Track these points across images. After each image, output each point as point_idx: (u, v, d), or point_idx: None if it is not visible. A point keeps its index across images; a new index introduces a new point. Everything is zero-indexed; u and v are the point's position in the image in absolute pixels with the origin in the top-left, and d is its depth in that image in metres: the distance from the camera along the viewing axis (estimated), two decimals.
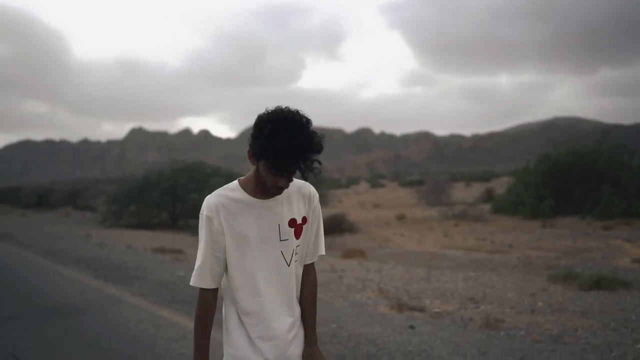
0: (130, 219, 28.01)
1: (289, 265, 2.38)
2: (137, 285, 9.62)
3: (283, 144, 2.05)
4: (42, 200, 47.25)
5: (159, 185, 29.05)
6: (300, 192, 2.43)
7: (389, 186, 69.84)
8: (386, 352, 5.53)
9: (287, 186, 2.25)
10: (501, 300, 7.85)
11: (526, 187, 25.49)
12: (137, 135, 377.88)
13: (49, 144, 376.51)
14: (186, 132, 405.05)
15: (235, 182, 2.38)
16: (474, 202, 31.46)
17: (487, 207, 27.81)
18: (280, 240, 2.35)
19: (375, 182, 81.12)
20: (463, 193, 38.76)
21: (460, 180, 62.53)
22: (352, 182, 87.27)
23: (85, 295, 8.99)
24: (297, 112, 2.13)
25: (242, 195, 2.33)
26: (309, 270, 2.53)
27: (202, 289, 2.33)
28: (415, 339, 5.93)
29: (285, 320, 2.40)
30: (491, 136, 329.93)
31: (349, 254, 14.52)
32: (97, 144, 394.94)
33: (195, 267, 2.32)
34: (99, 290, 9.37)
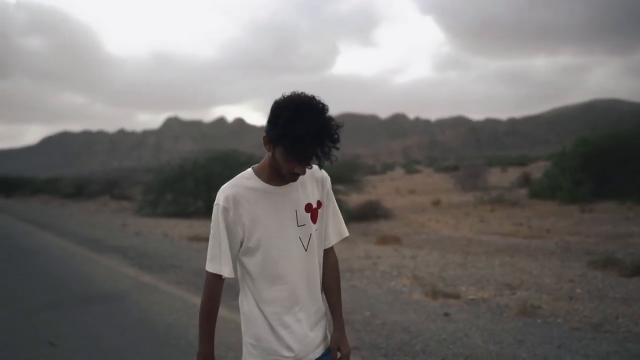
0: (166, 208, 28.22)
1: (306, 251, 2.37)
2: (172, 273, 9.70)
3: (301, 130, 2.04)
4: (80, 190, 47.94)
5: (194, 173, 29.26)
6: (314, 176, 2.43)
7: (424, 172, 69.38)
8: (420, 340, 5.46)
9: (304, 173, 2.24)
10: (538, 286, 7.68)
11: (564, 172, 24.93)
12: (173, 125, 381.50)
13: (86, 135, 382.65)
14: (221, 121, 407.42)
15: (250, 170, 2.36)
16: (511, 186, 30.98)
17: (523, 191, 27.32)
18: (298, 226, 2.35)
19: (410, 167, 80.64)
20: (499, 178, 38.19)
21: (496, 164, 61.62)
22: (387, 168, 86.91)
23: (121, 283, 9.10)
24: (314, 97, 2.12)
25: (257, 183, 2.31)
26: (329, 254, 2.53)
27: (212, 276, 2.30)
28: (450, 326, 5.85)
29: (307, 307, 2.39)
30: (527, 120, 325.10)
31: (384, 240, 14.41)
32: (133, 134, 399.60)
33: (211, 254, 2.29)
34: (134, 278, 9.48)
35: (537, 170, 36.63)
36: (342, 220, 2.58)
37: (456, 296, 7.17)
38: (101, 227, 19.54)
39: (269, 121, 2.15)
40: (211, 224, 2.31)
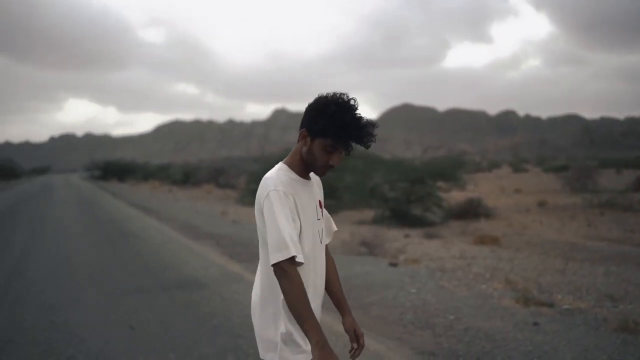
0: None
1: (321, 243, 2.55)
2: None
3: (348, 117, 2.32)
4: (187, 177, 49.55)
5: None
6: (314, 178, 2.61)
7: (532, 171, 66.92)
8: (503, 350, 5.08)
9: (339, 164, 2.40)
10: None
11: None
12: (280, 116, 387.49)
13: (197, 124, 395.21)
14: None
15: (282, 164, 2.47)
16: (625, 189, 29.23)
17: (639, 196, 25.74)
18: (317, 219, 2.53)
19: (517, 166, 77.99)
20: (613, 180, 36.15)
21: (610, 166, 58.47)
22: (494, 165, 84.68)
23: (208, 271, 9.17)
24: (351, 98, 2.37)
25: (295, 175, 2.45)
26: (327, 251, 2.70)
27: (291, 264, 2.25)
28: (537, 337, 5.41)
29: (320, 298, 2.56)
30: None
31: (481, 240, 13.92)
32: (242, 124, 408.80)
33: (285, 240, 2.25)
34: (222, 266, 9.54)
35: None
36: (332, 219, 2.77)
37: (550, 305, 6.68)
38: (202, 214, 20.01)
39: (313, 116, 2.37)
40: (272, 211, 2.30)
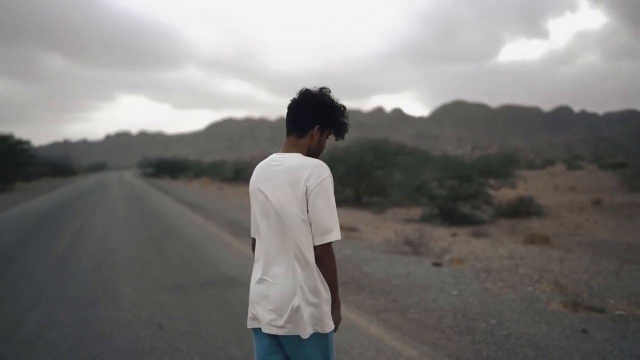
0: None
1: None
2: None
3: (340, 106, 2.73)
4: (238, 174, 49.84)
5: (345, 161, 29.22)
6: None
7: (588, 168, 65.15)
8: (547, 359, 4.74)
9: None
10: None
11: None
12: None
13: (249, 122, 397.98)
14: (379, 111, 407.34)
15: (302, 155, 2.63)
16: None
17: None
18: None
19: (572, 163, 76.10)
20: None
21: None
22: (548, 163, 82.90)
23: (247, 269, 8.97)
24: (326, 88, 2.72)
25: None
26: None
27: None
28: (586, 346, 5.02)
29: None
30: None
31: (531, 239, 13.45)
32: None
33: (338, 223, 2.56)
34: None
35: None
36: None
37: (601, 310, 6.27)
38: (247, 211, 19.90)
39: (330, 111, 2.67)
40: (330, 195, 2.53)
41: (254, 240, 2.74)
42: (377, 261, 9.51)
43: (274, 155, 2.67)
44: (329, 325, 2.55)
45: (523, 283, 7.81)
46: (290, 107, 2.67)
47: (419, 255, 10.27)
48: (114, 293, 7.51)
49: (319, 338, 2.55)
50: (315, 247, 2.50)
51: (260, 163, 2.72)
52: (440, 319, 5.99)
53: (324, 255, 2.52)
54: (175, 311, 6.52)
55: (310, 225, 2.49)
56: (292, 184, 2.49)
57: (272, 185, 2.56)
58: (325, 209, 2.49)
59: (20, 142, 46.28)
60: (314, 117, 2.62)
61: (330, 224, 2.49)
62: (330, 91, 2.67)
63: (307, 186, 2.47)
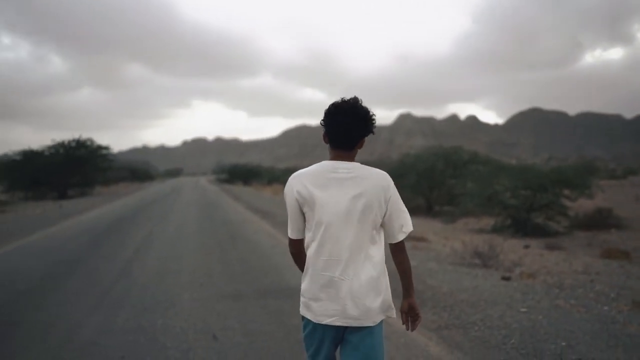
0: None
1: None
2: None
3: None
4: None
5: (415, 168, 28.81)
6: None
7: None
8: None
9: None
10: None
11: None
12: (405, 121, 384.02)
13: (322, 129, 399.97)
14: (453, 118, 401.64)
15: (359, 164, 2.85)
16: None
17: None
18: None
19: None
20: None
21: None
22: (629, 172, 79.71)
23: None
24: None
25: None
26: None
27: None
28: None
29: None
30: None
31: (609, 253, 12.81)
32: None
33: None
34: None
35: None
36: None
37: None
38: None
39: (371, 123, 2.88)
40: (399, 197, 2.85)
41: (296, 241, 3.00)
42: (443, 273, 9.18)
43: (334, 163, 2.81)
44: (394, 311, 2.89)
45: (598, 301, 7.33)
46: (337, 122, 2.80)
47: (487, 268, 9.89)
48: (173, 300, 7.47)
49: (380, 327, 2.85)
50: (396, 244, 2.85)
51: (312, 169, 2.85)
52: (506, 338, 5.64)
53: (400, 249, 2.87)
54: (231, 322, 6.39)
55: (385, 226, 2.82)
56: (371, 192, 2.73)
57: (343, 192, 2.73)
58: (403, 209, 2.84)
59: (100, 148, 47.75)
60: (362, 131, 2.82)
61: (406, 221, 2.84)
62: (362, 100, 2.85)
63: (387, 192, 2.77)
